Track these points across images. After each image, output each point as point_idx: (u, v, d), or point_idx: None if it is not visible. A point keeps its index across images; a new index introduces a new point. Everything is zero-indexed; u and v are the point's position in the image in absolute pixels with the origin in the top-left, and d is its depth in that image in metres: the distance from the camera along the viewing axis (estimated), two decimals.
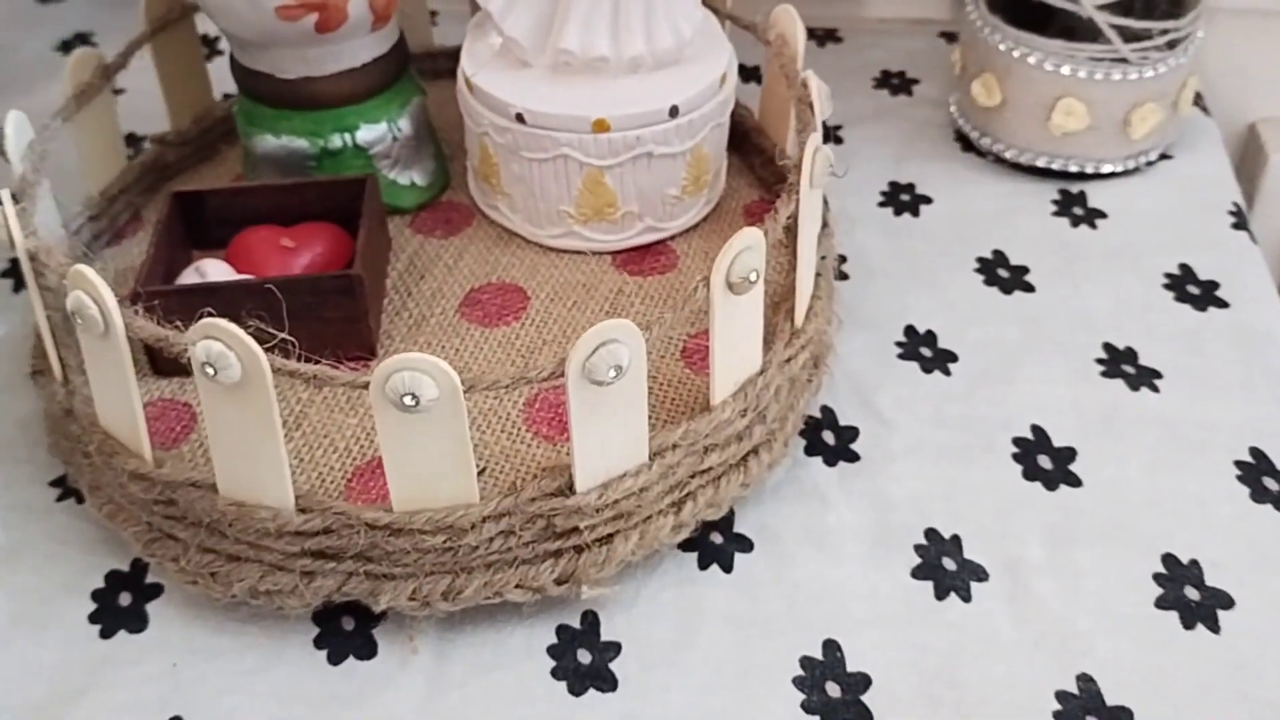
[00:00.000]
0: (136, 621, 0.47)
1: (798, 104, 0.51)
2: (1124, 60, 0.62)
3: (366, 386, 0.39)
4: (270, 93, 0.54)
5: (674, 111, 0.52)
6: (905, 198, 0.67)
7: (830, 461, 0.52)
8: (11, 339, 0.59)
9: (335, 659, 0.45)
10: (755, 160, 0.60)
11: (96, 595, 0.48)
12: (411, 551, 0.43)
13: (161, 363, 0.50)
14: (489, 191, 0.57)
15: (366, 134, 0.56)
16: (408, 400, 0.38)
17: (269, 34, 0.51)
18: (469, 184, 0.60)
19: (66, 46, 0.83)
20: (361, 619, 0.46)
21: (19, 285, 0.62)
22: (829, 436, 0.53)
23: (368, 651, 0.45)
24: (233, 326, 0.38)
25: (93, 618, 0.47)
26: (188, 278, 0.51)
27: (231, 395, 0.39)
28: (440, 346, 0.51)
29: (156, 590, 0.48)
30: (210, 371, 0.38)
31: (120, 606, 0.47)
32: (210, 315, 0.38)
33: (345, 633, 0.46)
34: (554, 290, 0.54)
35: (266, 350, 0.38)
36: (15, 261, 0.63)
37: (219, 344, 0.38)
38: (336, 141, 0.55)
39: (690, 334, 0.52)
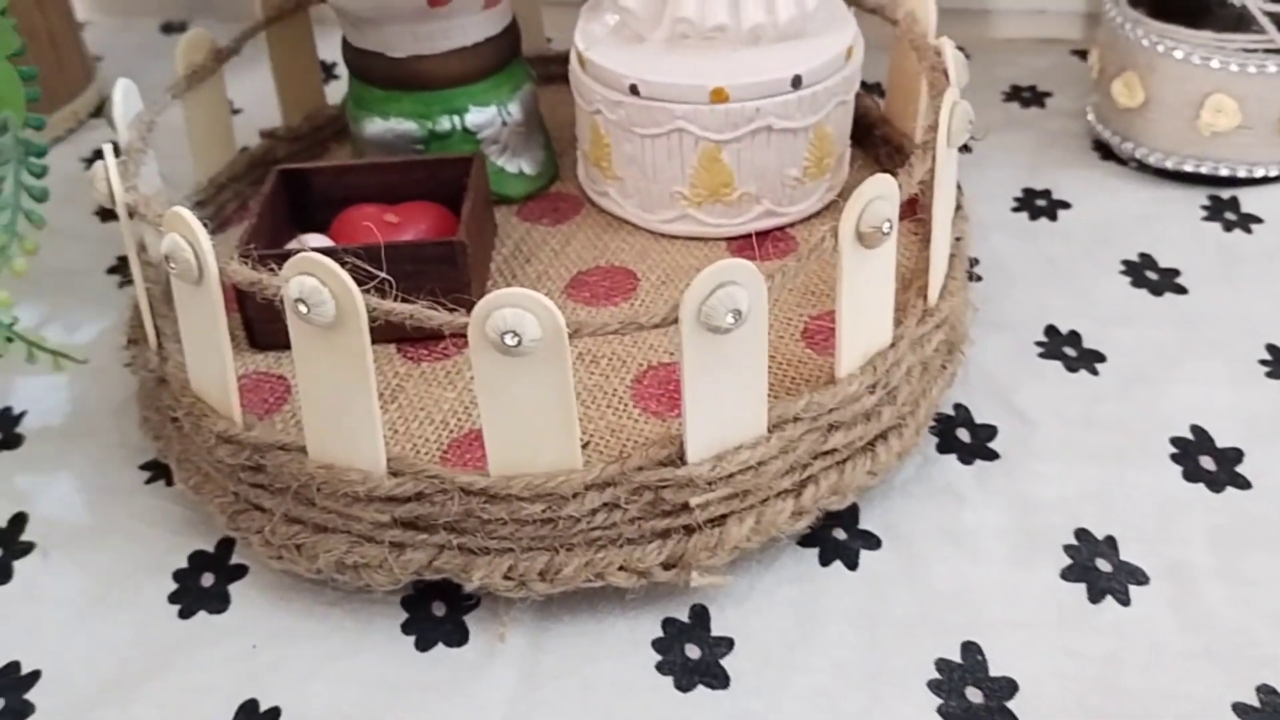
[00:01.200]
0: (218, 602, 0.44)
1: (930, 73, 0.48)
2: (1279, 52, 0.58)
3: (465, 331, 0.36)
4: (380, 73, 0.53)
5: (797, 82, 0.49)
6: (1041, 203, 0.62)
7: (966, 459, 0.47)
8: (111, 331, 0.58)
9: (423, 645, 0.42)
10: (880, 152, 0.57)
11: (178, 575, 0.45)
12: (508, 522, 0.39)
13: (259, 336, 0.48)
14: (599, 177, 0.54)
15: (476, 117, 0.54)
16: (509, 339, 0.35)
17: (381, 7, 0.50)
18: (578, 173, 0.57)
19: (169, 28, 0.85)
20: (453, 604, 0.43)
21: (125, 281, 0.62)
22: (964, 434, 0.48)
23: (458, 638, 0.42)
24: (328, 261, 0.35)
25: (173, 598, 0.44)
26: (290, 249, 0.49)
27: (324, 339, 0.37)
28: None
29: (241, 571, 0.45)
30: (303, 309, 0.36)
31: (202, 587, 0.45)
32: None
33: (435, 618, 0.43)
34: (665, 273, 0.51)
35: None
36: (122, 258, 0.63)
37: (313, 279, 0.36)
38: (445, 124, 0.54)
39: (812, 315, 0.48)
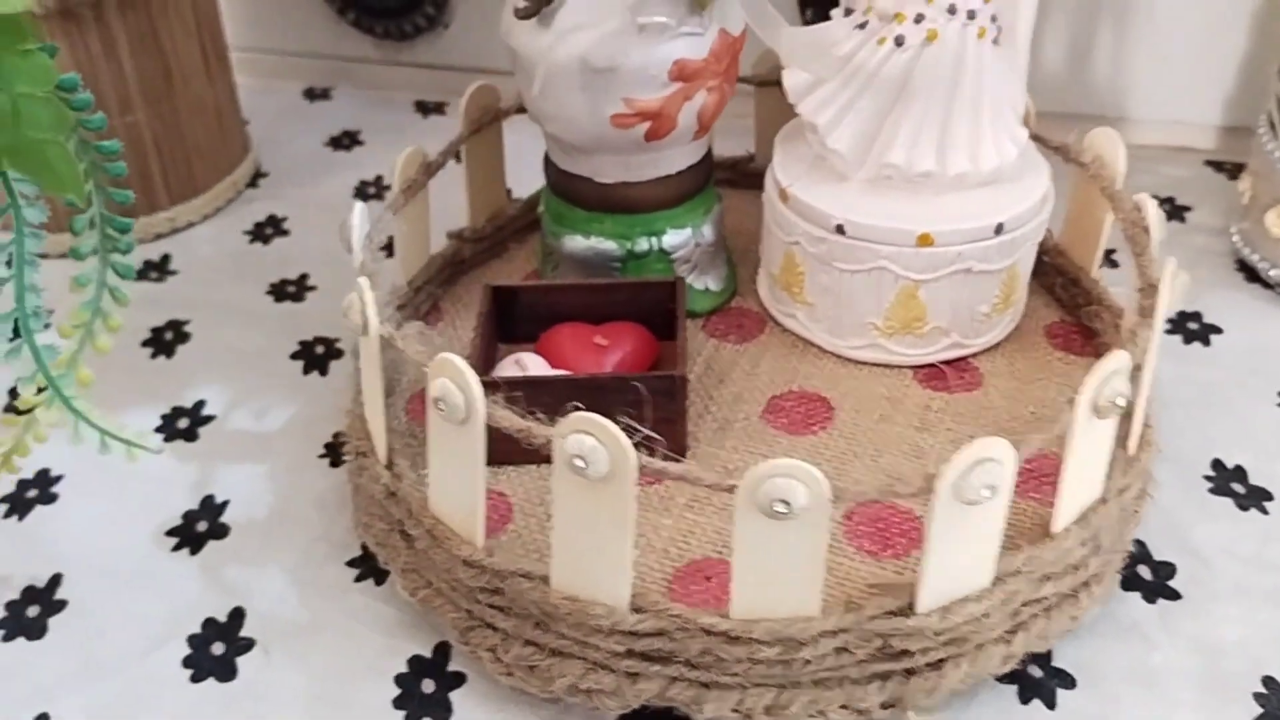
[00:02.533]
0: (440, 710, 0.46)
1: (1130, 227, 0.50)
2: None
3: (732, 490, 0.38)
4: (586, 195, 0.55)
5: (999, 229, 0.51)
6: (1193, 326, 0.64)
7: (1149, 598, 0.49)
8: (301, 419, 0.61)
9: None
10: (1055, 281, 0.59)
11: (400, 680, 0.48)
12: (744, 661, 0.42)
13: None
14: (787, 300, 0.56)
15: (672, 239, 0.56)
16: (778, 507, 0.37)
17: (598, 140, 0.53)
18: (759, 289, 0.60)
19: (335, 142, 0.87)
20: None
21: (309, 367, 0.64)
22: (1145, 571, 0.50)
23: None
24: (606, 421, 0.38)
25: (396, 703, 0.47)
26: (506, 369, 0.51)
27: (592, 490, 0.39)
28: (748, 451, 0.51)
29: (460, 679, 0.47)
30: (580, 464, 0.38)
31: (424, 694, 0.47)
32: (578, 409, 0.39)
33: None
34: (858, 402, 0.53)
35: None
36: (305, 343, 0.66)
37: (591, 439, 0.38)
38: (643, 245, 0.56)
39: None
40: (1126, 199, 0.51)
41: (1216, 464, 0.56)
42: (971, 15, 0.50)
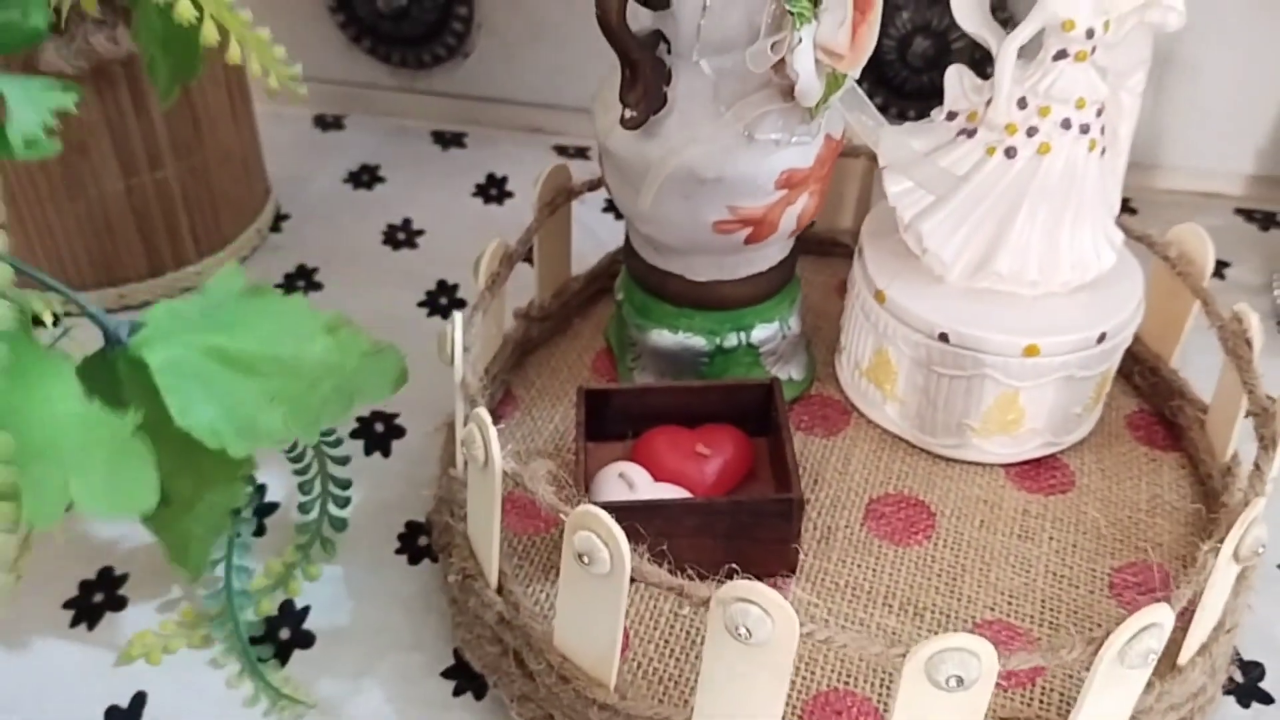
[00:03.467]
0: None
1: (1227, 336, 0.51)
2: None
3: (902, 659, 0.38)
4: (676, 291, 0.54)
5: (1101, 338, 0.51)
6: None
7: (1244, 703, 0.50)
8: (368, 508, 0.59)
9: None
10: (1133, 369, 0.59)
11: None
12: None
13: None
14: (875, 393, 0.56)
15: (761, 333, 0.56)
16: (951, 683, 0.37)
17: (697, 244, 0.52)
18: (840, 376, 0.59)
19: (354, 178, 0.85)
20: None
21: (370, 448, 0.62)
22: (1236, 674, 0.51)
23: None
24: (770, 591, 0.37)
25: None
26: (612, 483, 0.50)
27: (748, 653, 0.39)
28: (857, 565, 0.51)
29: None
30: (744, 634, 0.38)
31: None
32: (734, 572, 0.38)
33: None
34: (956, 506, 0.53)
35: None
36: (363, 419, 0.64)
37: (756, 609, 0.38)
38: (732, 340, 0.55)
39: (1115, 566, 0.51)
40: (1223, 307, 0.52)
41: None
42: (1085, 129, 0.49)
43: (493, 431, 0.44)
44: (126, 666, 0.52)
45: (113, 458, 0.41)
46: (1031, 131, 0.49)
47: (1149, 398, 0.59)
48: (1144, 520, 0.53)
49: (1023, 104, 0.49)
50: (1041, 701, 0.46)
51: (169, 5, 0.38)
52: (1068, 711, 0.45)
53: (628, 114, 0.48)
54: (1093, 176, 0.51)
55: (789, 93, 0.46)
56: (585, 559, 0.41)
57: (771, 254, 0.54)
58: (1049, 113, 0.49)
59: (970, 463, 0.55)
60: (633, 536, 0.41)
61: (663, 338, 0.56)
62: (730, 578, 0.39)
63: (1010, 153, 0.50)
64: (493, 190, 0.84)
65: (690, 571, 0.41)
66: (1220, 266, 0.76)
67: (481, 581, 0.48)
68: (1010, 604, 0.49)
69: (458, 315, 0.49)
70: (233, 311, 0.47)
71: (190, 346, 0.45)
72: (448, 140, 0.89)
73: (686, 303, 0.55)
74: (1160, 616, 0.38)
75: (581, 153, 0.87)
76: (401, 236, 0.79)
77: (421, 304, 0.73)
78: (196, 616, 0.54)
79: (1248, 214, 0.80)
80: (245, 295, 0.47)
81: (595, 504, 0.43)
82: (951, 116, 0.52)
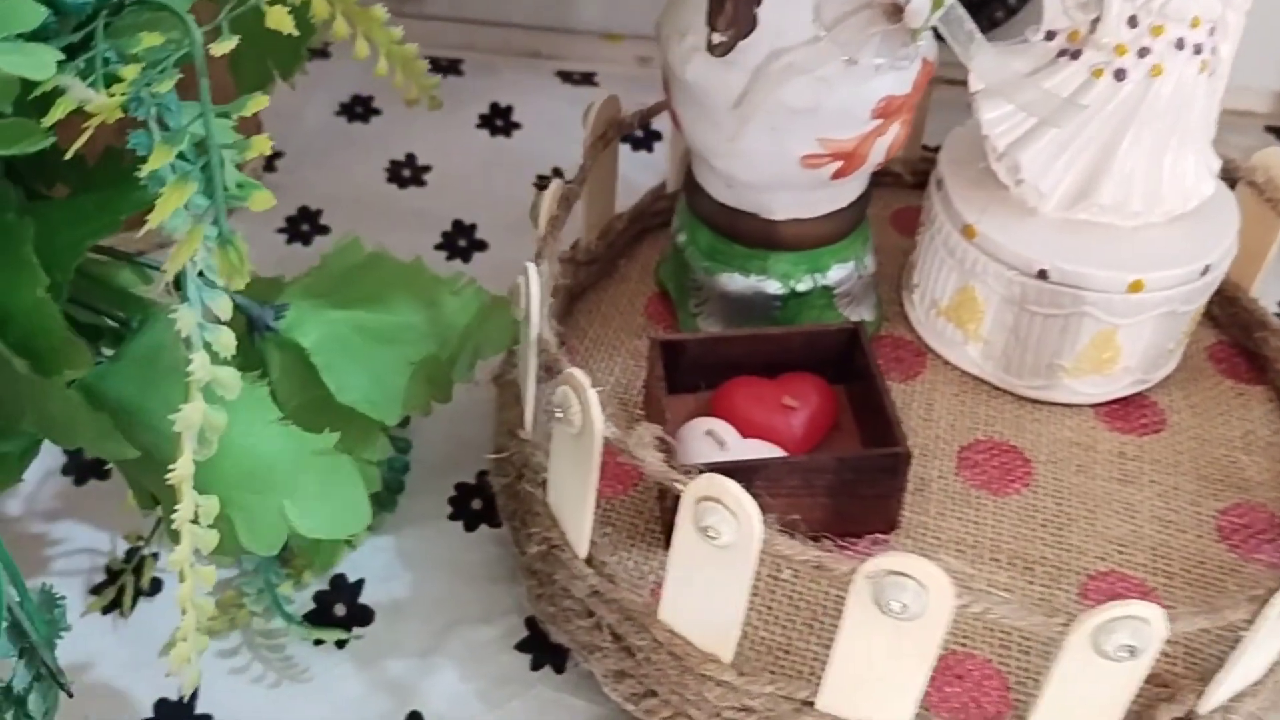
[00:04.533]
0: None
1: None
2: None
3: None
4: (750, 231, 0.51)
5: (1205, 271, 0.49)
6: None
7: None
8: (417, 468, 0.55)
9: None
10: (1211, 300, 0.57)
11: None
12: None
13: None
14: (955, 334, 0.53)
15: (837, 273, 0.52)
16: (1121, 653, 0.35)
17: (780, 180, 0.48)
18: (911, 316, 0.56)
19: (347, 111, 0.79)
20: None
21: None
22: None
23: None
24: (930, 565, 0.35)
25: None
26: (700, 441, 0.47)
27: (896, 627, 0.36)
28: (956, 517, 0.48)
29: None
30: (898, 608, 0.35)
31: None
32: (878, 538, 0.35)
33: None
34: (1050, 451, 0.51)
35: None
36: None
37: (914, 583, 0.35)
38: (806, 283, 0.52)
39: (1219, 508, 0.49)
40: None
41: None
42: (1198, 49, 0.46)
43: (593, 395, 0.40)
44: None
45: (324, 478, 0.42)
46: (1143, 52, 0.46)
47: (1227, 328, 0.57)
48: (1240, 458, 0.51)
49: (1133, 22, 0.46)
50: (1186, 661, 0.44)
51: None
52: (1195, 665, 0.43)
53: (715, 39, 0.44)
54: (1200, 100, 0.48)
55: (893, 13, 0.43)
56: (711, 532, 0.37)
57: (853, 189, 0.51)
58: (1162, 32, 0.46)
59: (1058, 404, 0.52)
60: None
61: (734, 282, 0.52)
62: (831, 540, 0.37)
63: (1119, 75, 0.47)
64: (498, 121, 0.78)
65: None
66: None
67: (569, 552, 0.45)
68: (1120, 553, 0.47)
69: (531, 266, 0.45)
70: (360, 283, 0.47)
71: (335, 323, 0.45)
72: (444, 68, 0.83)
73: (760, 243, 0.51)
74: None
75: (588, 79, 0.82)
76: (407, 174, 0.74)
77: (439, 247, 0.69)
78: (236, 595, 0.50)
79: (1277, 132, 0.78)
80: (366, 265, 0.48)
81: (693, 466, 0.40)
82: (1050, 36, 0.48)
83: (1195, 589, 0.46)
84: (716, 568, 0.39)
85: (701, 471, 0.39)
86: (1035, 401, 0.53)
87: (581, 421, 0.41)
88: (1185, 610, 0.36)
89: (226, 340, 0.35)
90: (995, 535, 0.47)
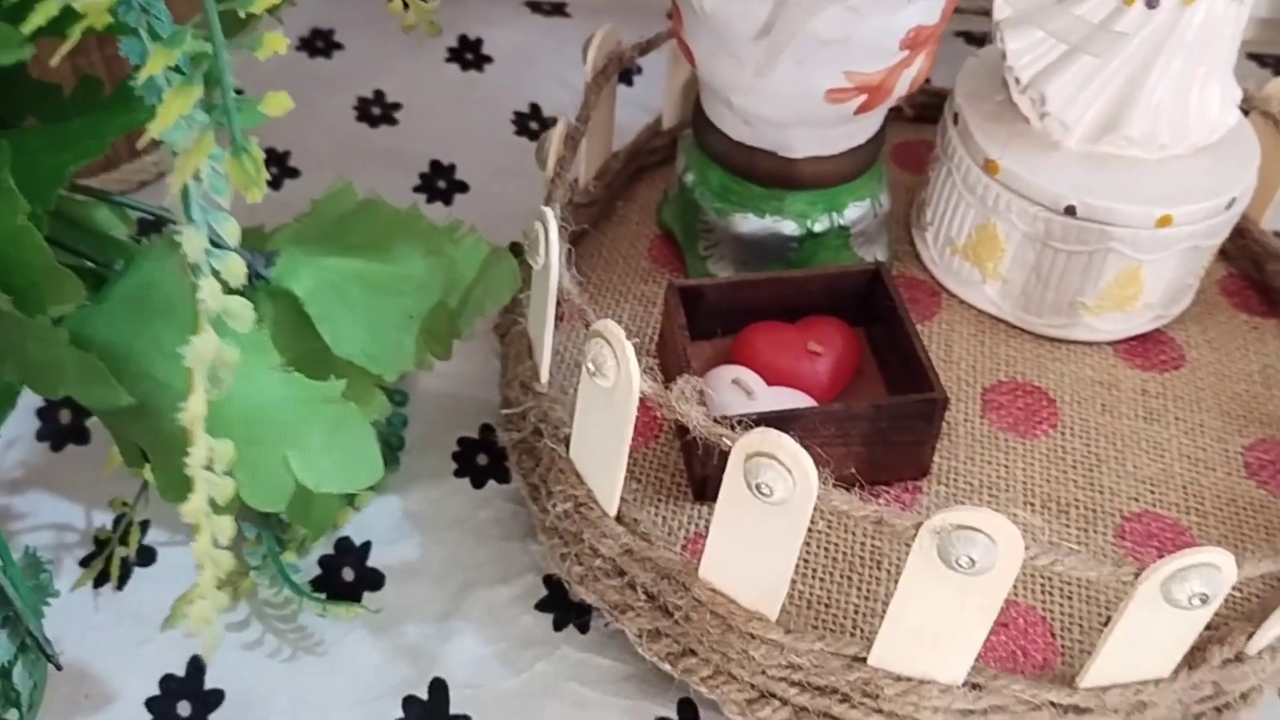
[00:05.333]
0: None
1: None
2: None
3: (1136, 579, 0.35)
4: (766, 170, 0.49)
5: (1231, 204, 0.48)
6: None
7: None
8: (416, 424, 0.53)
9: None
10: None
11: None
12: None
13: (709, 490, 0.45)
14: (972, 273, 0.52)
15: (853, 212, 0.50)
16: (1186, 600, 0.34)
17: (802, 116, 0.46)
18: (924, 254, 0.55)
19: (308, 45, 0.75)
20: None
21: None
22: None
23: None
24: (996, 516, 0.33)
25: None
26: (727, 391, 0.45)
27: (958, 580, 0.35)
28: (986, 461, 0.47)
29: None
30: (965, 564, 0.34)
31: None
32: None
33: None
34: (1074, 390, 0.50)
35: None
36: None
37: (984, 537, 0.34)
38: (824, 223, 0.50)
39: (1246, 444, 0.48)
40: None
41: None
42: None
43: (629, 348, 0.38)
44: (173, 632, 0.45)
45: (330, 428, 0.39)
46: None
47: (1237, 261, 0.56)
48: (1261, 393, 0.50)
49: None
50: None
51: None
52: (1235, 606, 0.43)
53: None
54: (1230, 28, 0.46)
55: None
56: (764, 489, 0.36)
57: (871, 124, 0.49)
58: None
59: (1077, 342, 0.52)
60: None
61: (748, 223, 0.50)
62: (863, 488, 0.37)
63: (1151, 3, 0.45)
64: (468, 55, 0.75)
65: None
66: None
67: (598, 510, 0.43)
68: (1153, 493, 0.46)
69: (549, 211, 0.42)
70: (355, 230, 0.43)
71: (330, 271, 0.42)
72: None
73: (778, 183, 0.49)
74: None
75: (559, 9, 0.79)
76: (377, 112, 0.71)
77: (417, 189, 0.66)
78: (238, 565, 0.47)
79: (1259, 59, 0.78)
80: (359, 211, 0.44)
81: (720, 418, 0.38)
82: None
83: (1228, 527, 0.45)
84: (766, 524, 0.37)
85: (738, 424, 0.38)
86: (1054, 340, 0.52)
87: (616, 376, 0.39)
88: (1253, 557, 0.36)
89: (236, 267, 0.31)
90: (1026, 478, 0.47)
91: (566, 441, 0.44)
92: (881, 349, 0.49)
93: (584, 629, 0.47)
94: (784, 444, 0.35)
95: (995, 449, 0.48)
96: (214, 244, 0.31)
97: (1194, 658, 0.40)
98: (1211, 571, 0.34)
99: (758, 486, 0.36)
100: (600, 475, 0.42)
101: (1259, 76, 0.76)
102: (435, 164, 0.67)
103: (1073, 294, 0.50)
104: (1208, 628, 0.41)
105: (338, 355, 0.42)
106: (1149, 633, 0.36)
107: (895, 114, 0.61)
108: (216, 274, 0.31)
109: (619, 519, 0.43)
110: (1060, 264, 0.49)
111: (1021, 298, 0.51)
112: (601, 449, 0.42)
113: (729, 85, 0.46)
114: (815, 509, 0.36)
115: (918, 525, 0.35)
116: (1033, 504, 0.46)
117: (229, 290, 0.31)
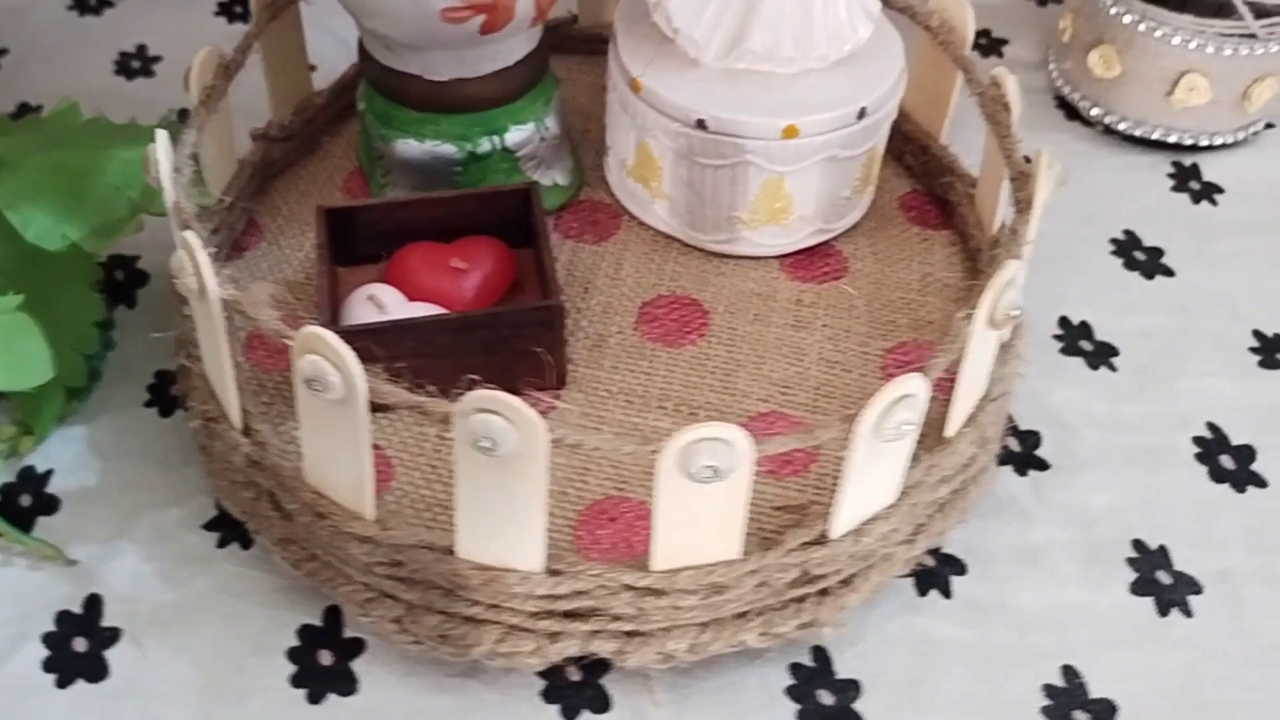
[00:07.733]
0: (345, 683, 0.44)
1: (989, 105, 0.49)
2: (1252, 36, 0.61)
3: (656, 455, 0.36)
4: (416, 94, 0.50)
5: (861, 114, 0.49)
6: None
7: (1021, 470, 0.51)
8: (114, 363, 0.54)
9: (570, 714, 0.43)
10: (904, 149, 0.58)
11: (293, 655, 0.45)
12: (666, 608, 0.41)
13: None
14: (642, 194, 0.53)
15: (516, 135, 0.52)
16: (705, 473, 0.36)
17: (428, 36, 0.47)
18: (609, 178, 0.56)
19: (80, 4, 0.76)
20: (589, 669, 0.44)
21: (113, 301, 0.57)
22: (1013, 443, 0.52)
23: (600, 704, 0.44)
24: (513, 399, 0.35)
25: (295, 680, 0.44)
26: (360, 307, 0.47)
27: (500, 465, 0.37)
28: (629, 370, 0.49)
29: (358, 646, 0.45)
30: (488, 446, 0.35)
31: (323, 666, 0.45)
32: (474, 383, 0.35)
33: (574, 684, 0.44)
34: (729, 302, 0.51)
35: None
36: (103, 265, 0.58)
37: (500, 419, 0.35)
38: (485, 145, 0.51)
39: (887, 347, 0.50)
40: (982, 72, 0.50)
41: (1064, 321, 0.57)
42: None
43: (203, 255, 0.40)
44: None
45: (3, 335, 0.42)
46: None
47: (920, 177, 0.58)
48: (915, 300, 0.52)
49: None
50: (816, 487, 0.45)
51: None
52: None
53: None
54: None
55: None
56: (316, 385, 0.37)
57: (516, 47, 0.50)
58: None
59: (744, 257, 0.53)
60: (374, 359, 0.38)
61: (409, 147, 0.51)
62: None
63: None
64: (237, 8, 0.76)
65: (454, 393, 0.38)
66: (998, 44, 0.75)
67: (225, 423, 0.45)
68: (784, 394, 0.48)
69: (161, 133, 0.44)
70: (71, 138, 0.49)
71: (30, 169, 0.46)
72: None
73: (430, 106, 0.50)
74: (913, 387, 0.37)
75: None
76: (136, 65, 0.72)
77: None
78: None
79: None
80: (83, 126, 0.50)
81: (339, 329, 0.40)
82: None
83: None
84: (335, 423, 0.39)
85: (342, 332, 0.39)
86: (723, 256, 0.53)
87: (199, 285, 0.40)
88: (777, 434, 0.37)
89: None
90: (665, 385, 0.48)
91: (201, 360, 0.46)
92: (539, 267, 0.50)
93: (246, 545, 0.48)
94: (326, 339, 0.37)
95: (641, 359, 0.49)
96: None
97: (774, 541, 0.41)
98: (719, 445, 0.36)
99: (311, 383, 0.37)
100: (222, 387, 0.44)
101: None
102: (184, 112, 0.68)
103: (727, 209, 0.51)
104: (803, 513, 0.43)
105: (32, 241, 0.46)
106: (691, 512, 0.38)
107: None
108: None
109: (245, 431, 0.44)
110: (709, 179, 0.50)
111: (686, 215, 0.52)
112: (216, 361, 0.43)
113: (356, 7, 0.47)
114: (377, 403, 0.38)
115: (451, 412, 0.36)
116: (665, 408, 0.47)
117: None
